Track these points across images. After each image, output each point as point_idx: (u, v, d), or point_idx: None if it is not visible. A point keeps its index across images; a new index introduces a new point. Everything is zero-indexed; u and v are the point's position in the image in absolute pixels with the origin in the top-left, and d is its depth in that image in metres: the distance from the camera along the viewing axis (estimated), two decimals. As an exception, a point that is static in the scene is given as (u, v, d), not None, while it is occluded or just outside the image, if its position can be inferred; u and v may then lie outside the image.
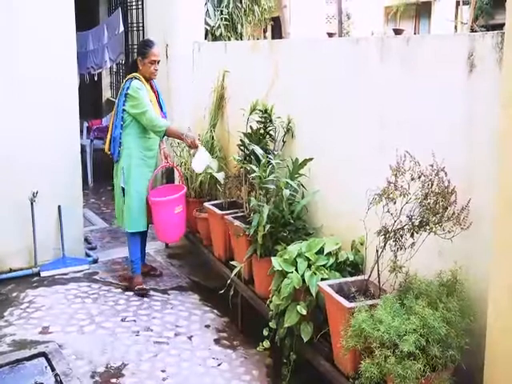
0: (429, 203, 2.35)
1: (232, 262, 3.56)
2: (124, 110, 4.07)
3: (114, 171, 4.32)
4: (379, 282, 2.62)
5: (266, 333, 3.10)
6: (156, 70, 4.14)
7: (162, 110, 4.29)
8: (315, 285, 2.79)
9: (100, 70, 7.80)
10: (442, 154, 2.38)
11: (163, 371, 3.24)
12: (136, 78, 4.07)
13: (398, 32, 9.16)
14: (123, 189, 4.20)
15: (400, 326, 2.19)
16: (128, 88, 4.03)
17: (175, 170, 4.65)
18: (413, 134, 2.66)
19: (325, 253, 2.98)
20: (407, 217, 2.42)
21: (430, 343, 2.15)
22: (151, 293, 4.23)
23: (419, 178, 2.38)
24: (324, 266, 2.92)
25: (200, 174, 4.29)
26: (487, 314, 2.19)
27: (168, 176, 5.17)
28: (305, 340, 2.83)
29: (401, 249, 2.46)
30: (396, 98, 2.77)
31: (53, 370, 3.15)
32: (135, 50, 6.65)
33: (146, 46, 4.14)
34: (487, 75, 2.27)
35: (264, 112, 3.69)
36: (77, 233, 4.77)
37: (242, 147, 3.75)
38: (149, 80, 4.18)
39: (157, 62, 4.11)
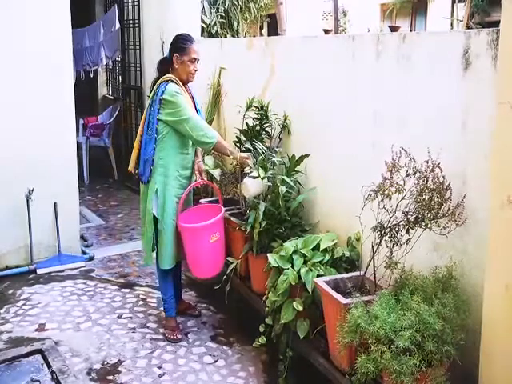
0: (424, 199, 2.35)
1: (228, 259, 3.56)
2: (159, 120, 3.35)
3: (140, 194, 3.59)
4: (375, 278, 2.63)
5: (262, 329, 3.11)
6: (196, 70, 3.44)
7: None
8: (311, 281, 2.79)
9: (96, 67, 7.79)
10: (437, 150, 2.38)
11: (159, 368, 3.25)
12: (172, 81, 3.37)
13: (394, 29, 9.14)
14: (154, 217, 3.47)
15: (395, 321, 2.20)
16: (163, 93, 3.32)
17: (213, 187, 3.97)
18: (408, 131, 2.66)
19: (321, 249, 2.99)
20: (403, 213, 2.42)
21: (426, 339, 2.16)
22: (148, 290, 4.24)
23: (414, 174, 2.38)
24: (320, 262, 2.93)
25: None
26: (482, 309, 2.20)
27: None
28: (301, 336, 2.84)
29: (396, 245, 2.47)
30: (392, 94, 2.77)
31: (49, 367, 3.15)
32: (131, 47, 6.67)
33: (185, 40, 3.44)
34: (483, 72, 2.28)
35: (260, 109, 3.69)
36: (73, 230, 4.77)
37: (238, 144, 3.75)
38: (186, 82, 3.49)
39: (197, 60, 3.44)
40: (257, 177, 3.26)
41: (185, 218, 3.48)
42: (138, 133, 3.54)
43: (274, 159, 3.36)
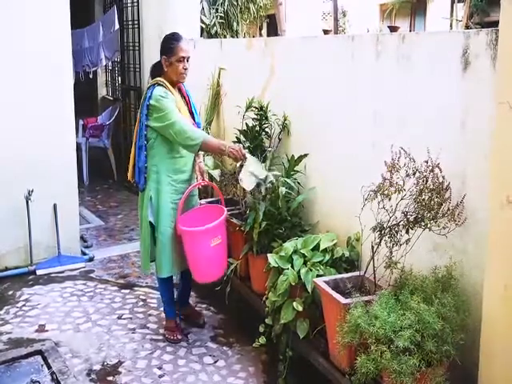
0: (423, 199, 2.35)
1: (228, 259, 3.56)
2: (147, 127, 3.29)
3: (138, 201, 3.55)
4: (375, 278, 2.63)
5: (262, 329, 3.11)
6: (185, 69, 3.34)
7: (194, 120, 3.49)
8: (311, 281, 2.79)
9: (95, 68, 7.78)
10: (437, 150, 2.38)
11: (159, 368, 3.24)
12: (159, 84, 3.30)
13: (393, 29, 9.16)
14: (151, 224, 3.41)
15: (395, 321, 2.20)
16: (150, 98, 3.26)
17: (214, 189, 3.85)
18: (408, 131, 2.67)
19: (320, 249, 2.99)
20: (402, 213, 2.42)
21: (425, 338, 2.16)
22: (147, 290, 4.24)
23: (414, 174, 2.38)
24: (320, 262, 2.93)
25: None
26: (482, 309, 2.20)
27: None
28: (301, 336, 2.84)
29: (396, 245, 2.47)
30: (391, 94, 2.78)
31: (49, 368, 3.15)
32: (131, 48, 6.67)
33: (171, 40, 3.34)
34: (482, 72, 2.28)
35: (260, 109, 3.69)
36: (72, 231, 4.77)
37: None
38: (176, 84, 3.42)
39: (186, 59, 3.33)
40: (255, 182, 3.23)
41: (186, 219, 3.39)
42: (133, 140, 3.46)
43: (266, 174, 3.24)
